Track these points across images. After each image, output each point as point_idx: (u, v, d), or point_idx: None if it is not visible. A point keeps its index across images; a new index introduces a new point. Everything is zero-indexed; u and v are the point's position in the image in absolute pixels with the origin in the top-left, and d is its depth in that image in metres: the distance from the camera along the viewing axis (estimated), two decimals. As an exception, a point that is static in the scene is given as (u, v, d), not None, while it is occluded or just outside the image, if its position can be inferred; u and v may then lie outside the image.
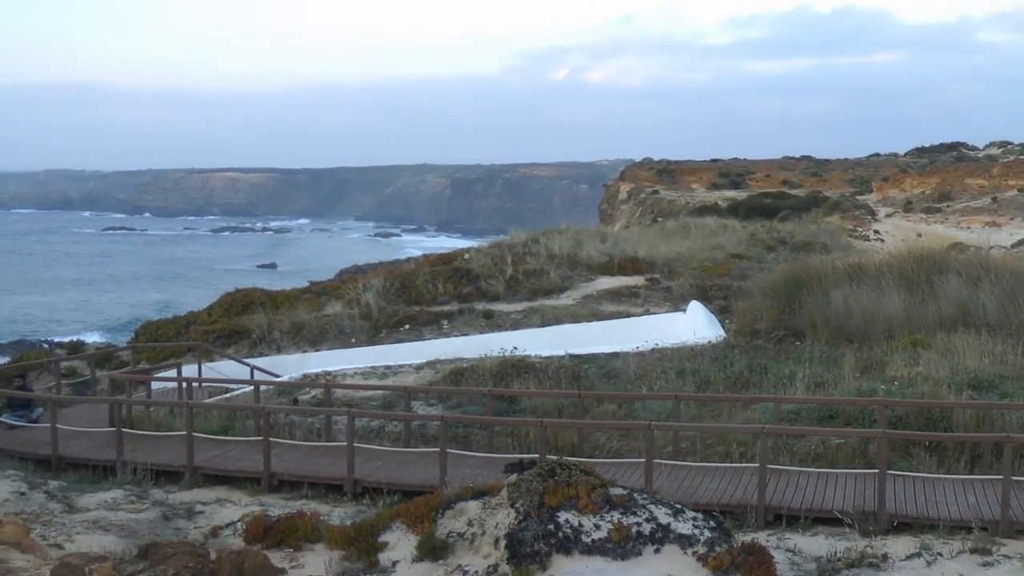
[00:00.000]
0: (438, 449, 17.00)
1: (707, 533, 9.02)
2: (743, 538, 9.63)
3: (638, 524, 8.93)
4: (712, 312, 28.30)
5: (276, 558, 9.40)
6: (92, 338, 59.51)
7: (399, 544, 9.41)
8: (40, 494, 13.76)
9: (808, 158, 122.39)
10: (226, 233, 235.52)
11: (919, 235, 53.99)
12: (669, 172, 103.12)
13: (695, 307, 28.49)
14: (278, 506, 15.13)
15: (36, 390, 25.74)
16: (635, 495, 9.37)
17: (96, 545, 10.12)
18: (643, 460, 15.91)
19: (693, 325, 26.59)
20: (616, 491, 9.31)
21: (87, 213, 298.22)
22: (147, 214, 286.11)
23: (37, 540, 9.76)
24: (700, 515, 9.36)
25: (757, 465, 15.38)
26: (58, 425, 20.25)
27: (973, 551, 12.22)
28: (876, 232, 60.62)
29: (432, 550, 9.11)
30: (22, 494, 13.55)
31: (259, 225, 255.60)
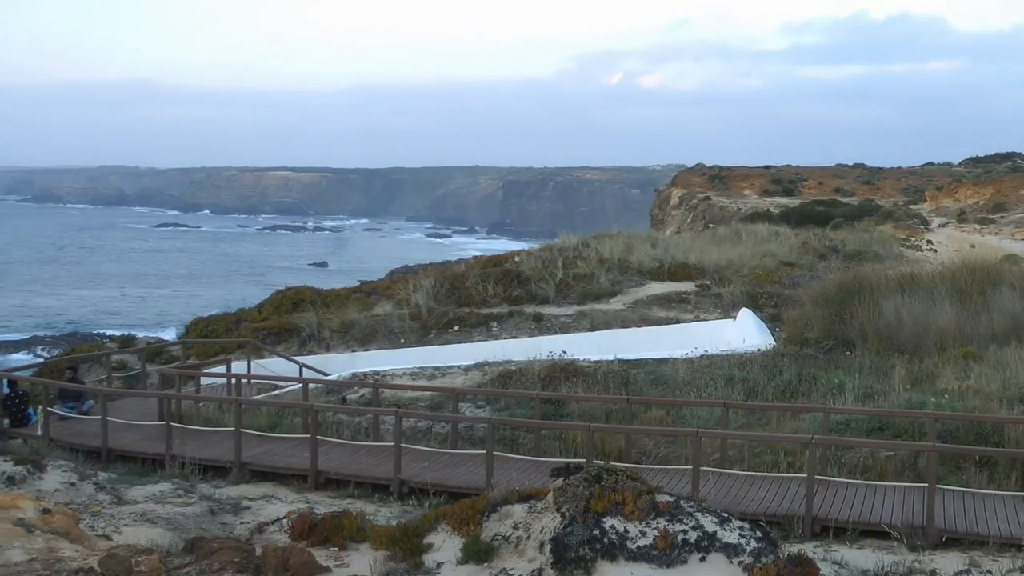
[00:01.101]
0: (485, 451, 16.99)
1: (753, 543, 8.93)
2: (790, 549, 9.54)
3: (684, 532, 8.85)
4: (762, 320, 28.14)
5: (321, 556, 9.40)
6: (143, 333, 60.07)
7: (444, 546, 9.39)
8: (90, 485, 13.87)
9: (861, 166, 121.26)
10: (278, 231, 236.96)
11: (972, 246, 53.31)
12: (721, 178, 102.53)
13: (745, 314, 28.33)
14: (324, 504, 15.18)
15: (87, 382, 26.05)
16: (682, 502, 9.30)
17: (143, 537, 10.19)
18: (690, 467, 15.82)
19: (743, 333, 26.43)
20: (663, 498, 9.23)
21: (141, 209, 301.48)
22: (206, 211, 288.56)
23: (86, 530, 9.83)
24: (747, 525, 9.26)
25: (805, 475, 15.24)
26: (108, 418, 20.48)
27: (1023, 570, 12.04)
28: (929, 242, 59.88)
29: (477, 553, 9.08)
30: (72, 485, 13.66)
31: (311, 224, 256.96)
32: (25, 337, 79.47)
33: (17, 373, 25.30)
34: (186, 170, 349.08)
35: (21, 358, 64.80)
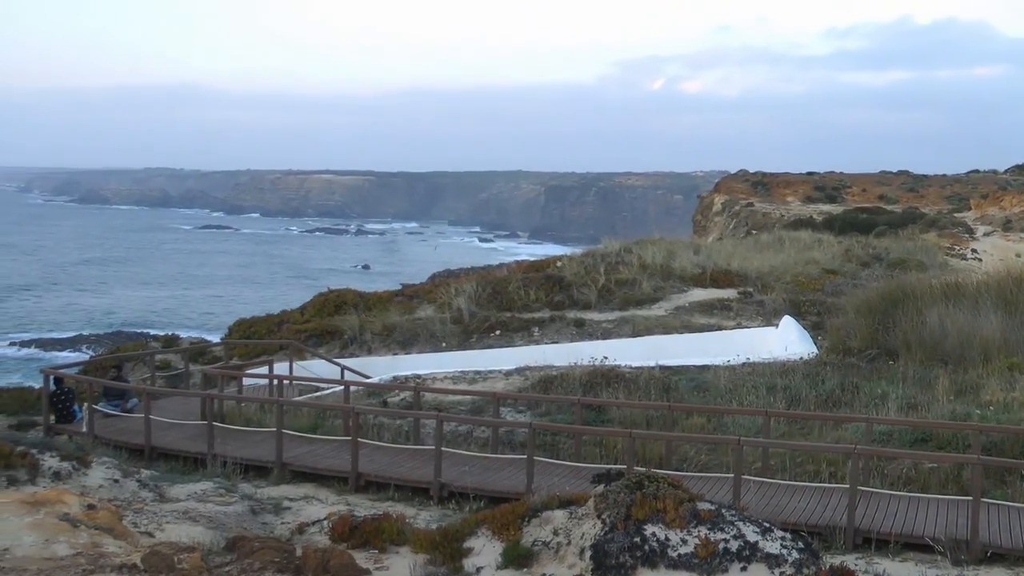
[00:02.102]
0: (525, 456, 16.99)
1: (795, 554, 8.86)
2: (831, 561, 9.46)
3: (725, 541, 8.79)
4: (805, 328, 27.95)
5: (361, 558, 9.42)
6: (187, 333, 60.51)
7: (484, 550, 9.38)
8: (133, 482, 13.97)
9: (905, 173, 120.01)
10: (320, 234, 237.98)
11: (1019, 255, 52.78)
12: (764, 184, 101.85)
13: (788, 322, 28.15)
14: (364, 506, 15.22)
15: (131, 381, 26.27)
16: (723, 511, 9.24)
17: (185, 535, 10.25)
18: (731, 476, 15.74)
19: (785, 340, 26.26)
20: (704, 506, 9.18)
21: (185, 211, 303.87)
22: (251, 214, 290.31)
23: (129, 527, 9.91)
24: (788, 535, 9.19)
25: (847, 486, 15.13)
26: (152, 416, 20.66)
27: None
28: (974, 251, 59.26)
29: (517, 558, 9.06)
30: (116, 481, 13.77)
31: (353, 227, 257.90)
32: (71, 335, 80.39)
33: (63, 371, 25.59)
34: (230, 173, 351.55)
35: (67, 356, 65.58)
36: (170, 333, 49.73)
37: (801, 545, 9.01)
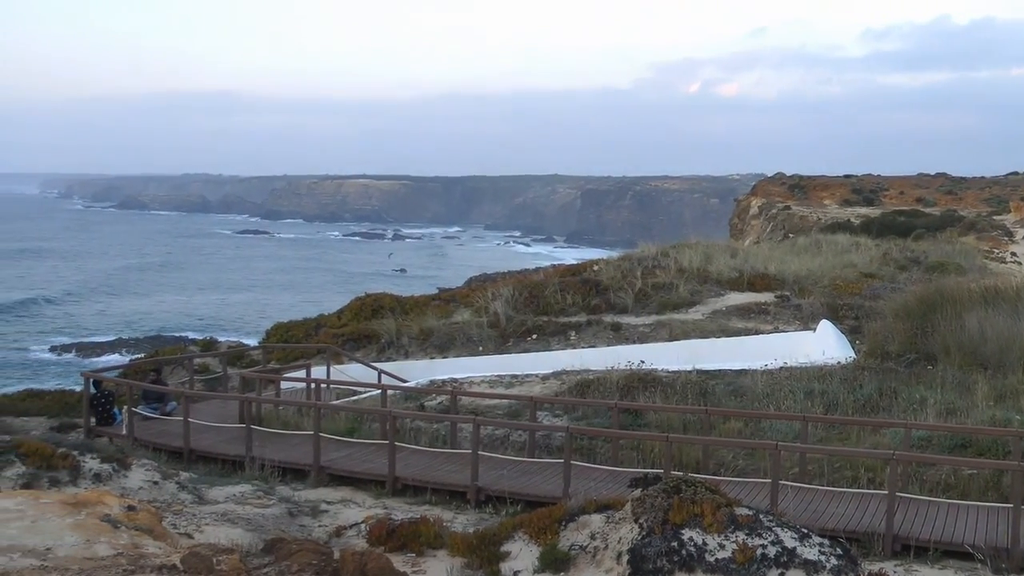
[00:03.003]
0: (562, 460, 16.97)
1: (833, 560, 8.81)
2: (870, 567, 9.42)
3: (763, 546, 8.76)
4: (842, 332, 27.75)
5: (398, 562, 9.46)
6: (225, 337, 60.93)
7: (521, 554, 9.39)
8: (172, 484, 14.09)
9: (943, 175, 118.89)
10: (357, 239, 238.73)
11: (1059, 259, 52.19)
12: (801, 187, 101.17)
13: (825, 326, 27.97)
14: (401, 510, 15.26)
15: (170, 384, 26.46)
16: (761, 516, 9.20)
17: (224, 537, 10.32)
18: (768, 481, 15.67)
19: (823, 345, 26.10)
20: (742, 511, 9.15)
21: (223, 216, 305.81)
22: (291, 219, 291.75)
23: (168, 528, 10.00)
24: (826, 541, 9.14)
25: (886, 492, 15.00)
26: (190, 419, 20.81)
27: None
28: (1013, 254, 58.58)
29: (554, 562, 9.07)
30: (155, 483, 13.90)
31: (390, 232, 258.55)
32: (110, 339, 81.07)
33: (103, 374, 25.82)
34: (267, 178, 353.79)
35: (106, 360, 66.14)
36: (208, 337, 50.12)
37: (839, 551, 8.97)
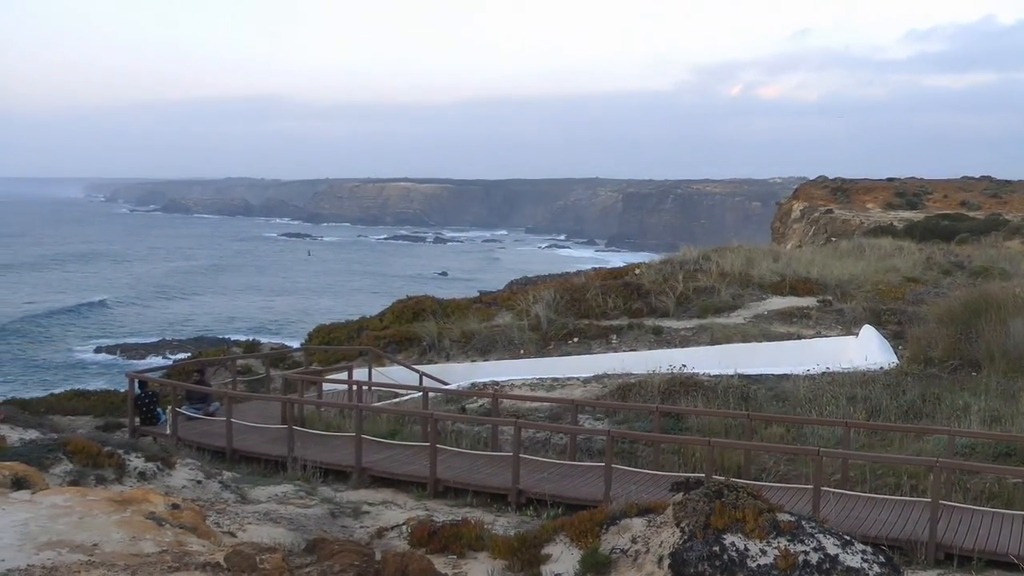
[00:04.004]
0: (603, 464, 16.96)
1: (876, 568, 8.74)
2: None
3: (805, 553, 8.70)
4: (885, 337, 27.54)
5: (440, 563, 9.47)
6: (267, 338, 61.33)
7: (562, 557, 9.38)
8: (215, 483, 14.20)
9: (988, 178, 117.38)
10: (402, 242, 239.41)
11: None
12: (843, 191, 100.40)
13: (868, 331, 27.77)
14: (442, 512, 15.28)
15: (213, 385, 26.67)
16: (803, 522, 9.15)
17: (266, 536, 10.39)
18: (810, 487, 15.58)
19: (865, 350, 25.93)
20: (784, 517, 9.10)
21: (265, 219, 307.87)
22: (332, 222, 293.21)
23: (212, 527, 10.08)
24: (869, 548, 9.06)
25: (929, 500, 14.88)
26: (233, 419, 20.97)
27: None
28: (1061, 260, 57.93)
29: (595, 565, 9.05)
30: (199, 482, 14.01)
31: (431, 235, 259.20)
32: (154, 341, 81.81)
33: (147, 374, 26.07)
34: (309, 182, 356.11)
35: (150, 361, 66.77)
36: (251, 338, 50.46)
37: (882, 559, 8.90)
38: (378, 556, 8.99)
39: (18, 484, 10.55)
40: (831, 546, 8.82)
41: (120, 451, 13.74)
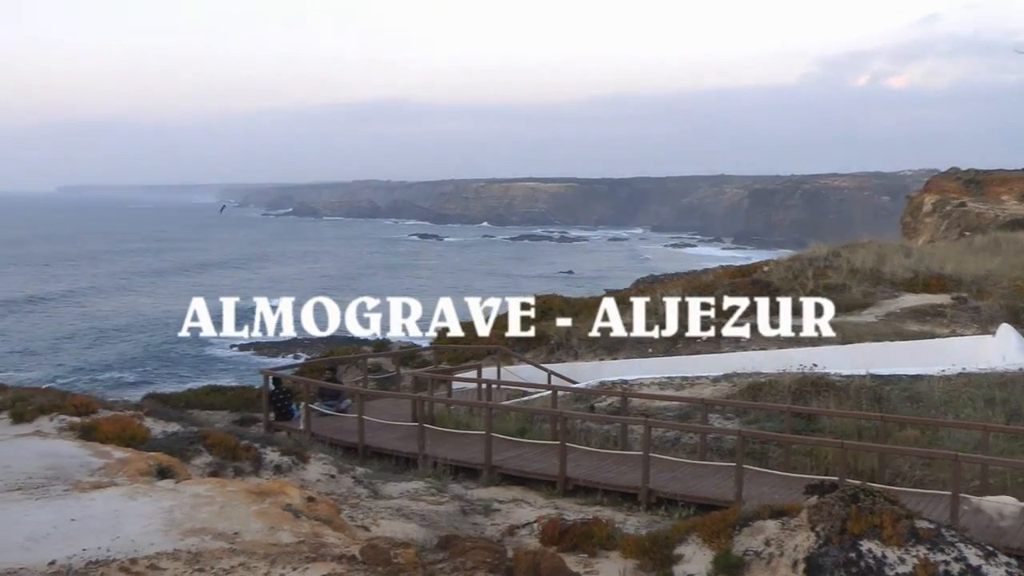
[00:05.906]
0: (734, 464, 16.79)
1: (1021, 581, 8.48)
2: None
3: (946, 563, 8.46)
4: (1025, 337, 26.74)
5: (571, 562, 9.48)
6: (397, 337, 62.07)
7: (694, 558, 9.32)
8: (348, 478, 14.44)
9: None
10: (527, 242, 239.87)
11: None
12: (977, 182, 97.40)
13: (1006, 330, 26.94)
14: (572, 510, 15.30)
15: (345, 383, 27.10)
16: (943, 531, 8.92)
17: (399, 531, 10.53)
18: (948, 493, 15.18)
19: (1003, 350, 25.16)
20: (923, 524, 8.88)
21: (393, 221, 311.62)
22: (458, 223, 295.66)
23: (346, 520, 10.27)
24: (1014, 561, 8.78)
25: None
26: (364, 416, 21.27)
27: None
28: None
29: (728, 567, 8.98)
30: (332, 477, 14.27)
31: (556, 234, 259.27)
32: (286, 339, 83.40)
33: (281, 372, 26.61)
34: (435, 183, 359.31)
35: (281, 360, 68.12)
36: (381, 337, 51.13)
37: (1029, 573, 8.63)
38: (509, 554, 9.04)
39: (162, 473, 10.94)
40: (973, 557, 8.57)
41: (256, 445, 14.08)
